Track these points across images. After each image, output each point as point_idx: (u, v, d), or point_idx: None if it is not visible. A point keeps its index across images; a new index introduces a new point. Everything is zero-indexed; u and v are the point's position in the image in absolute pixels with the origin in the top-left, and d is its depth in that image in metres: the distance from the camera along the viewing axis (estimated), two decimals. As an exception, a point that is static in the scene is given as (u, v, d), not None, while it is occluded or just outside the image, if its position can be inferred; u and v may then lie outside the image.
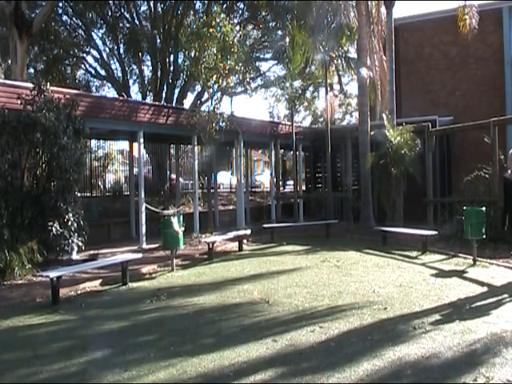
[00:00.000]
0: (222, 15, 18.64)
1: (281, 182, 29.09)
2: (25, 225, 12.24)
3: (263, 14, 29.74)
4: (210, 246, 14.33)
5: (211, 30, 17.46)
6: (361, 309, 8.24)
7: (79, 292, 10.44)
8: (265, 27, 31.01)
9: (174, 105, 26.53)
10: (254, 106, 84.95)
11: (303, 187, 28.68)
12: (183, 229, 12.79)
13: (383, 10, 20.50)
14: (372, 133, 19.74)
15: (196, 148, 19.76)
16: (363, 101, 20.59)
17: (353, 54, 24.68)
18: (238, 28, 26.52)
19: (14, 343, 7.26)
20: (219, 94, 19.01)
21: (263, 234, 18.18)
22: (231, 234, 16.04)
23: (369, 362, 5.93)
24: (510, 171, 10.32)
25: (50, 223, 12.36)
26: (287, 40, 21.69)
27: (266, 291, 9.79)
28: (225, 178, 35.64)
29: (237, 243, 15.91)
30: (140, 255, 12.43)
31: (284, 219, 22.21)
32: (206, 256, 14.28)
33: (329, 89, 22.93)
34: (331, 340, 6.77)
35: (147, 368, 6.01)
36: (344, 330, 7.21)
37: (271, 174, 25.23)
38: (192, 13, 28.52)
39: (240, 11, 31.31)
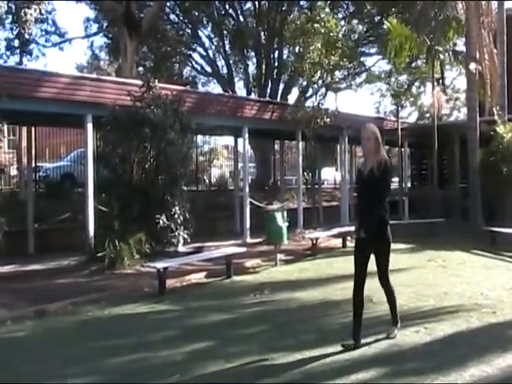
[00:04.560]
0: (327, 10, 18.49)
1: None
2: (134, 217, 12.63)
3: (368, 7, 29.24)
4: (314, 241, 14.24)
5: (315, 26, 17.36)
6: (468, 311, 7.86)
7: (184, 283, 10.67)
8: (370, 21, 30.50)
9: (278, 100, 26.60)
10: (359, 101, 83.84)
11: (408, 184, 28.03)
12: (287, 224, 12.78)
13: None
14: (481, 129, 18.94)
15: (300, 144, 19.72)
16: (471, 96, 19.73)
17: (461, 47, 23.78)
18: (342, 23, 26.29)
19: (122, 330, 7.53)
20: (323, 89, 18.89)
21: (367, 230, 17.82)
22: (335, 231, 15.87)
23: (476, 368, 5.61)
24: (363, 161, 7.00)
25: (158, 216, 12.71)
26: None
27: (369, 289, 9.55)
28: (329, 174, 35.37)
29: (340, 240, 15.70)
30: (244, 249, 12.54)
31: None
32: (309, 252, 14.22)
33: (435, 84, 22.18)
34: (436, 342, 6.51)
35: (249, 360, 6.03)
36: (450, 332, 6.90)
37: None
38: (296, 9, 28.52)
39: (345, 6, 30.96)
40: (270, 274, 11.67)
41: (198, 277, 11.18)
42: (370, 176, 6.45)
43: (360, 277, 6.55)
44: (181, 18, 31.45)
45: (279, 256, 12.88)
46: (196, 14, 30.75)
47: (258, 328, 7.47)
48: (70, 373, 5.83)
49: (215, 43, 32.57)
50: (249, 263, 12.64)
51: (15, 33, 25.41)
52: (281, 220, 12.56)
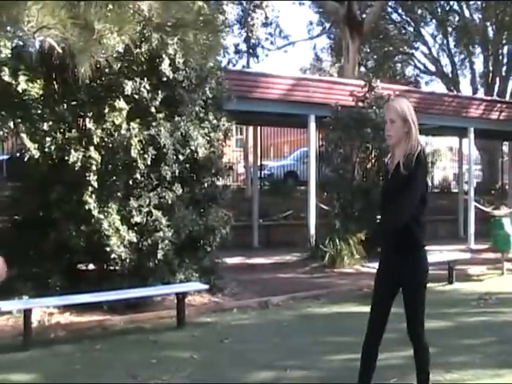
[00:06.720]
0: None
1: None
2: (354, 217, 12.76)
3: None
4: (549, 252, 13.16)
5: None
6: None
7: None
8: None
9: (507, 99, 25.08)
10: None
11: None
12: (517, 231, 11.99)
13: None
14: None
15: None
16: None
17: None
18: None
19: (341, 328, 7.58)
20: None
21: None
22: None
23: None
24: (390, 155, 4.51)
25: (378, 217, 12.65)
26: None
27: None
28: None
29: None
30: (468, 255, 12.05)
31: None
32: (543, 263, 13.19)
33: None
34: None
35: (471, 373, 5.73)
36: None
37: None
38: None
39: None
40: (495, 282, 11.04)
41: (418, 281, 10.93)
42: (395, 176, 4.25)
43: (372, 322, 4.58)
44: (403, 16, 31.07)
45: (506, 265, 12.12)
46: (419, 11, 30.15)
47: (481, 339, 7.08)
48: (290, 364, 6.03)
49: (439, 41, 31.74)
50: (472, 270, 12.07)
51: (242, 37, 27.00)
52: (509, 226, 11.80)
